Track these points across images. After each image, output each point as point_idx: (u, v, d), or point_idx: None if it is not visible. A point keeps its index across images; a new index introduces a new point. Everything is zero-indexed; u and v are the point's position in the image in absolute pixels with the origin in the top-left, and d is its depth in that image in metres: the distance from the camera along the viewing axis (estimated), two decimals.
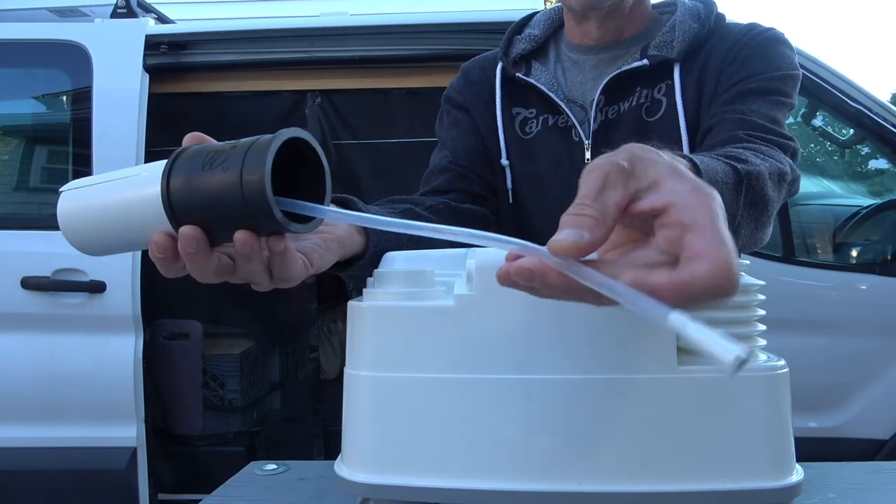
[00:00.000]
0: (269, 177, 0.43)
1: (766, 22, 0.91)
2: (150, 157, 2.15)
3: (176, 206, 0.46)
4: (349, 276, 0.70)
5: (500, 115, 0.96)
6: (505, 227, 0.96)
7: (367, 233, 0.68)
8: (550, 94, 0.92)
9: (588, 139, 0.91)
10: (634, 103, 0.89)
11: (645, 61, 0.88)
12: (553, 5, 0.96)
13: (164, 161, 0.48)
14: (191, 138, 0.50)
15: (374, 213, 0.70)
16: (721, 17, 0.92)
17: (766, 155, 0.72)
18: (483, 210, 0.94)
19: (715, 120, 0.83)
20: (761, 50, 0.86)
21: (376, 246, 0.68)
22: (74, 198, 0.52)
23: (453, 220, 0.89)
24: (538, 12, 1.04)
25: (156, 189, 0.47)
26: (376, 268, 0.65)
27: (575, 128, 0.91)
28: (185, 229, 0.46)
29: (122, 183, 0.50)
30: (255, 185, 0.43)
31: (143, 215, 0.48)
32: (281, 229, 0.45)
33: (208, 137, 0.50)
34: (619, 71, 0.89)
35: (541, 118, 0.95)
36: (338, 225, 0.62)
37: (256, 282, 0.50)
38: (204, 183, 0.45)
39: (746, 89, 0.83)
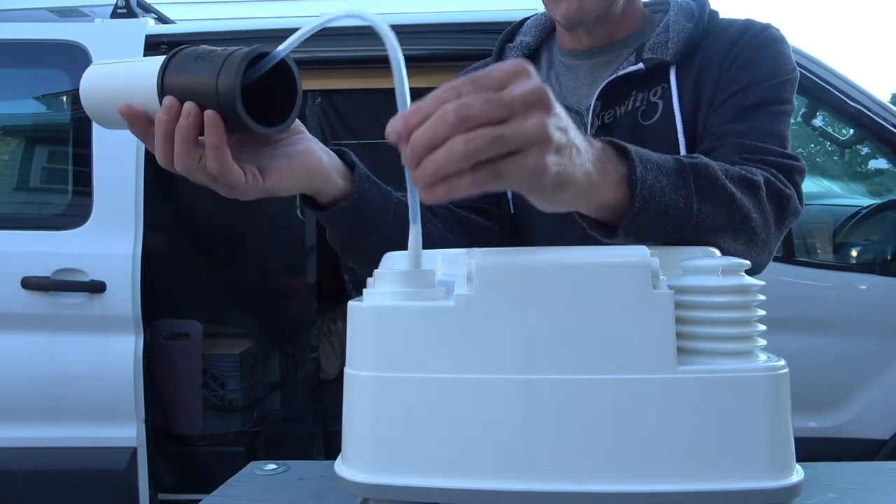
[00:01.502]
0: (240, 72, 0.54)
1: (764, 20, 0.90)
2: (150, 156, 2.15)
3: (167, 84, 0.57)
4: (328, 221, 0.74)
5: None
6: (508, 235, 0.96)
7: (353, 179, 0.73)
8: None
9: None
10: (630, 107, 0.88)
11: (641, 65, 0.87)
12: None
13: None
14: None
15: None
16: (714, 14, 0.91)
17: (741, 168, 0.71)
18: (488, 223, 0.93)
19: (716, 142, 0.82)
20: (761, 52, 0.85)
21: (360, 193, 0.72)
22: (95, 71, 0.63)
23: (455, 226, 0.89)
24: (528, 18, 1.02)
25: (154, 72, 0.57)
26: (360, 220, 0.72)
27: None
28: (166, 99, 0.56)
29: (134, 65, 0.61)
30: (230, 75, 0.54)
31: (141, 92, 0.58)
32: (241, 123, 0.55)
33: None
34: (615, 76, 0.88)
35: None
36: (313, 157, 0.67)
37: (197, 177, 0.61)
38: (191, 70, 0.56)
39: (748, 104, 0.82)
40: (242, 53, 0.54)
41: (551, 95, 0.45)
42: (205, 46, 0.57)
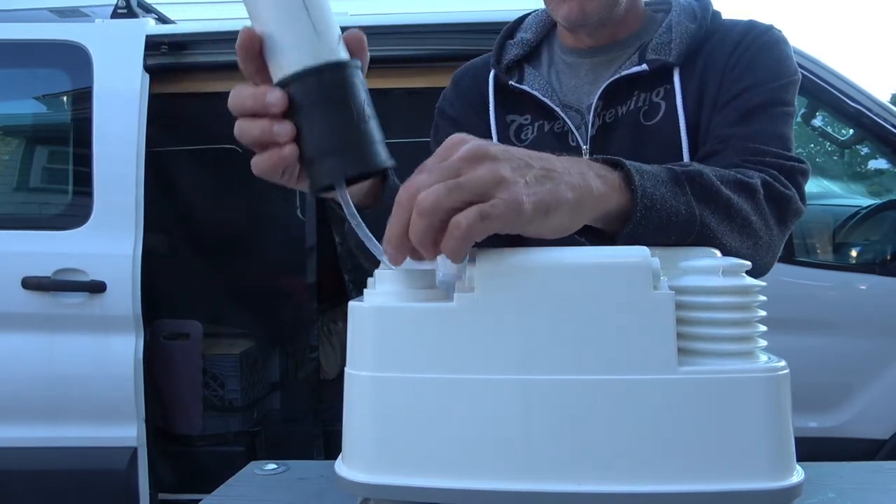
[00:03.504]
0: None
1: (765, 20, 0.90)
2: (150, 157, 2.15)
3: (294, 89, 0.49)
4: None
5: (494, 125, 0.95)
6: (509, 235, 0.95)
7: (383, 187, 0.75)
8: (545, 100, 0.91)
9: (585, 144, 0.89)
10: (632, 107, 0.88)
11: (644, 66, 0.86)
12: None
13: (341, 51, 0.51)
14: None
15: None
16: (717, 14, 0.91)
17: (737, 172, 0.71)
18: None
19: (719, 145, 0.82)
20: (764, 54, 0.85)
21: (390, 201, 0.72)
22: None
23: None
24: (529, 14, 1.02)
25: (310, 59, 0.49)
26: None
27: (571, 133, 0.90)
28: (278, 95, 0.50)
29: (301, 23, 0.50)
30: (331, 173, 0.49)
31: (285, 42, 0.50)
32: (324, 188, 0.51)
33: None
34: (618, 76, 0.88)
35: (536, 124, 0.93)
36: None
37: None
38: (322, 108, 0.49)
39: (751, 106, 0.82)
40: (360, 161, 0.49)
41: (491, 148, 0.48)
42: (356, 90, 0.50)
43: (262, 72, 0.52)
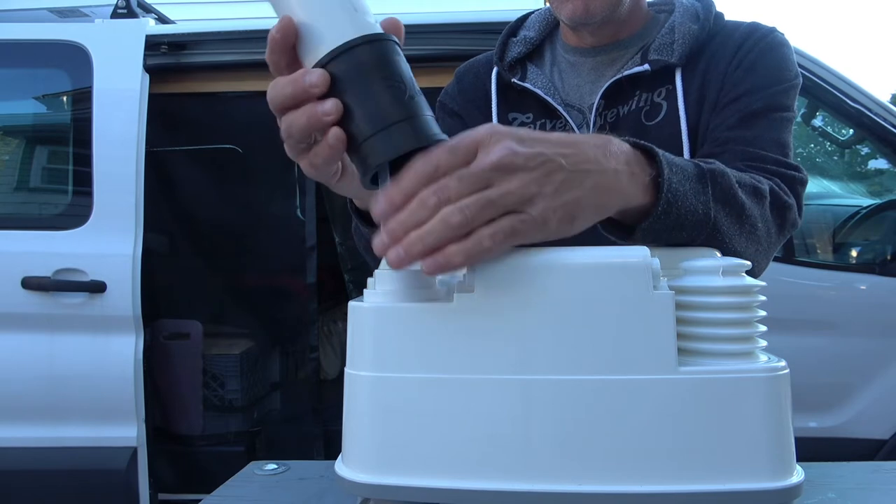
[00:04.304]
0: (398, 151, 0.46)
1: (766, 22, 0.90)
2: (150, 157, 2.15)
3: (335, 68, 0.46)
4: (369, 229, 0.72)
5: (496, 122, 0.95)
6: None
7: None
8: (548, 98, 0.91)
9: None
10: (634, 107, 0.88)
11: (646, 66, 0.87)
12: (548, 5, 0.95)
13: (378, 28, 0.49)
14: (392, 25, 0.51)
15: None
16: (720, 16, 0.91)
17: (751, 176, 0.71)
18: None
19: (718, 148, 0.82)
20: (766, 56, 0.85)
21: None
22: None
23: None
24: (532, 13, 1.02)
25: (344, 35, 0.47)
26: None
27: (573, 132, 0.90)
28: (321, 74, 0.46)
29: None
30: (390, 147, 0.46)
31: (320, 25, 0.47)
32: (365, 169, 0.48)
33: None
34: (621, 76, 0.88)
35: (538, 123, 0.93)
36: None
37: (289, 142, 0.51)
38: (368, 85, 0.46)
39: (751, 111, 0.82)
40: (415, 133, 0.47)
41: (519, 150, 0.46)
42: (397, 67, 0.48)
43: (293, 65, 0.49)
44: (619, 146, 0.53)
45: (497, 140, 0.46)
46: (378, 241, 0.46)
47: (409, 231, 0.45)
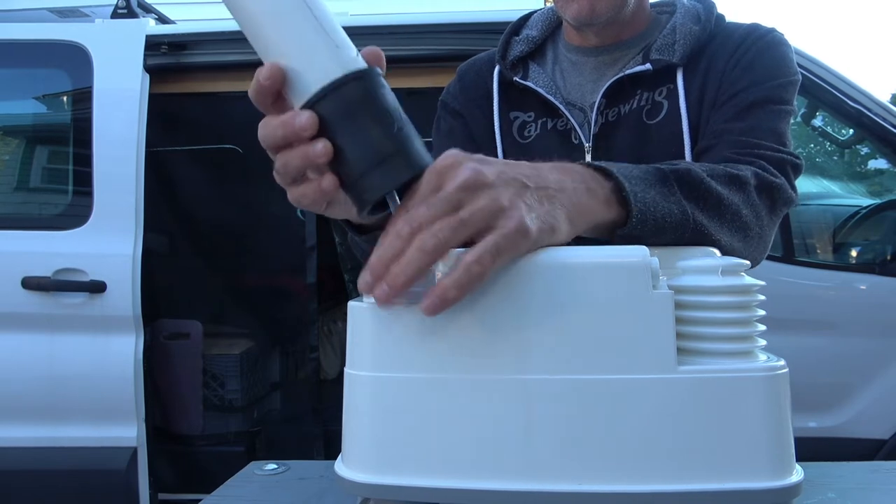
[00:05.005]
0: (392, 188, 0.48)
1: (766, 22, 0.91)
2: (150, 157, 2.15)
3: (323, 108, 0.47)
4: (368, 243, 0.72)
5: (497, 121, 0.95)
6: None
7: None
8: (549, 97, 0.92)
9: (588, 142, 0.90)
10: (635, 106, 0.89)
11: (648, 66, 0.87)
12: (551, 4, 0.95)
13: (361, 62, 0.49)
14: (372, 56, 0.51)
15: None
16: (721, 17, 0.92)
17: (726, 166, 0.71)
18: None
19: (713, 140, 0.82)
20: (764, 55, 0.85)
21: None
22: None
23: None
24: (535, 12, 1.03)
25: (329, 74, 0.47)
26: None
27: (574, 130, 0.91)
28: (309, 118, 0.47)
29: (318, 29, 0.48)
30: (376, 189, 0.47)
31: (301, 63, 0.47)
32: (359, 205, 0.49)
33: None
34: (622, 75, 0.88)
35: (539, 122, 0.93)
36: None
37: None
38: (357, 122, 0.47)
39: (747, 103, 0.82)
40: (406, 166, 0.47)
41: (487, 173, 0.46)
42: (383, 100, 0.48)
43: (278, 102, 0.50)
44: (572, 167, 0.55)
45: (459, 164, 0.47)
46: (361, 280, 0.46)
47: (388, 265, 0.45)
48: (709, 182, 0.65)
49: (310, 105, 0.47)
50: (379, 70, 0.49)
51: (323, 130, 0.47)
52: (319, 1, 0.49)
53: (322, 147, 0.47)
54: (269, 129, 0.49)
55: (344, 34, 0.50)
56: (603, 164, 0.58)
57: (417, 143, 0.49)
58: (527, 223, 0.46)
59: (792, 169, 0.80)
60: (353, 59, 0.49)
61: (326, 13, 0.49)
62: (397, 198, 0.48)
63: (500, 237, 0.45)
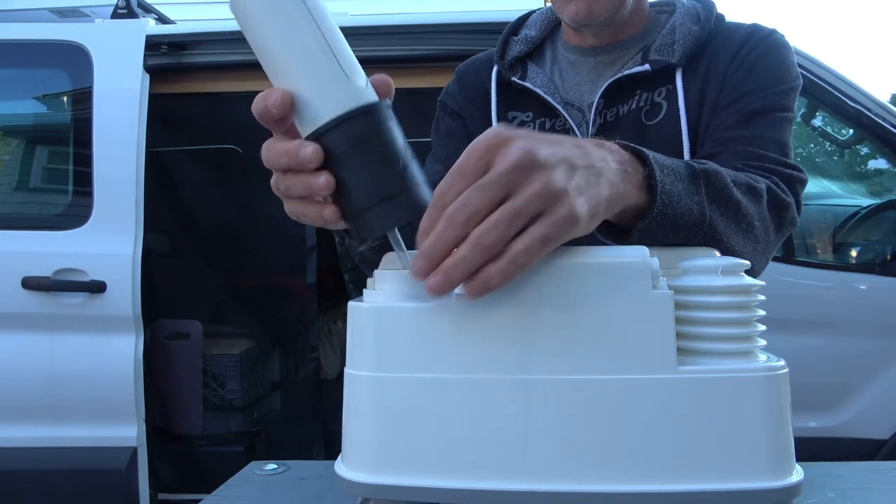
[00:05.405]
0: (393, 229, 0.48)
1: (766, 23, 0.91)
2: (151, 157, 2.15)
3: (329, 141, 0.47)
4: (369, 252, 0.71)
5: (495, 121, 0.95)
6: None
7: None
8: (547, 97, 0.91)
9: None
10: (634, 106, 0.88)
11: (647, 66, 0.87)
12: (550, 4, 0.95)
13: (370, 92, 0.48)
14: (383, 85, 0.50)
15: None
16: (721, 17, 0.91)
17: (747, 175, 0.71)
18: None
19: (718, 147, 0.82)
20: (766, 58, 0.85)
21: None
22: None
23: None
24: (533, 12, 1.02)
25: (338, 107, 0.46)
26: None
27: (573, 131, 0.90)
28: (313, 152, 0.47)
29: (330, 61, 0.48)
30: (376, 228, 0.48)
31: (312, 88, 0.47)
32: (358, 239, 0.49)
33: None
34: (621, 75, 0.88)
35: (538, 122, 0.93)
36: None
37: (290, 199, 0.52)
38: (365, 162, 0.47)
39: (751, 110, 0.82)
40: (409, 207, 0.47)
41: (535, 149, 0.44)
42: (389, 136, 0.48)
43: (283, 121, 0.49)
44: (612, 146, 0.53)
45: (508, 141, 0.45)
46: (416, 265, 0.45)
47: (443, 253, 0.44)
48: (732, 188, 0.65)
49: (315, 136, 0.47)
50: (388, 102, 0.49)
51: (327, 162, 0.47)
52: (333, 27, 0.49)
53: (325, 181, 0.47)
54: (272, 154, 0.49)
55: (354, 60, 0.49)
56: (639, 147, 0.57)
57: (422, 182, 0.48)
58: (577, 210, 0.45)
59: (799, 186, 0.80)
60: (363, 90, 0.48)
61: (340, 40, 0.49)
62: (399, 237, 0.48)
63: (551, 226, 0.44)
